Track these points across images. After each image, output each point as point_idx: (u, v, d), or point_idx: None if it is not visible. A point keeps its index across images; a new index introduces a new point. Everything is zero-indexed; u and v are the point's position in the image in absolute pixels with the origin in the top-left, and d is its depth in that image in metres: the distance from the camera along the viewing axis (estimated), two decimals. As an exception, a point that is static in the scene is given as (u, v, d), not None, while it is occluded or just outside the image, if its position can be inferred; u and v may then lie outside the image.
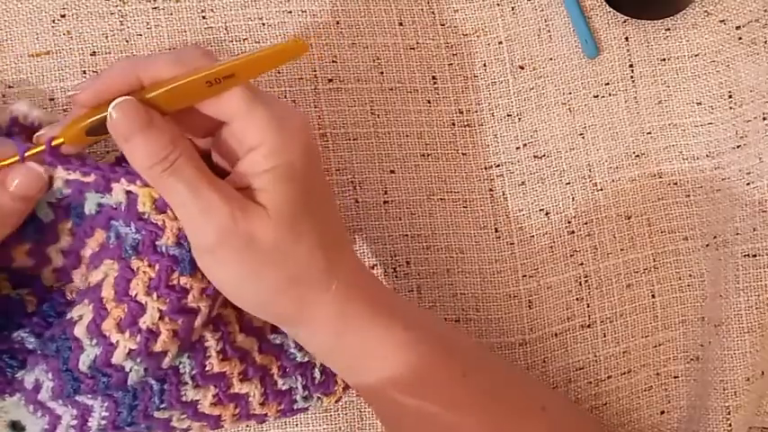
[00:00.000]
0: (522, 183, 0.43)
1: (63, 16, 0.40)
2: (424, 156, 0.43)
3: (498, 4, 0.43)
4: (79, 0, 0.40)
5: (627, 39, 0.44)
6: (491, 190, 0.43)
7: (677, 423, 0.42)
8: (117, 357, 0.32)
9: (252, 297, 0.33)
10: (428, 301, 0.42)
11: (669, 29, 0.44)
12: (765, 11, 0.42)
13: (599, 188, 0.43)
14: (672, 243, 0.43)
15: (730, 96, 0.43)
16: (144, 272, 0.33)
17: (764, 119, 0.42)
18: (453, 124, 0.43)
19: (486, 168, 0.43)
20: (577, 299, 0.43)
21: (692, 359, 0.42)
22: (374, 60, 0.42)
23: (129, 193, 0.33)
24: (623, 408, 0.42)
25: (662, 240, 0.43)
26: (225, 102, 0.31)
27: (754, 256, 0.41)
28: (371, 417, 0.41)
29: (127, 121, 0.30)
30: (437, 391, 0.35)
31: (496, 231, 0.43)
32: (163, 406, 0.35)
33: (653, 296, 0.43)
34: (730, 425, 0.39)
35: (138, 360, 0.33)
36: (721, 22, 0.43)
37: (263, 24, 0.42)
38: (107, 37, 0.40)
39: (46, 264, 0.35)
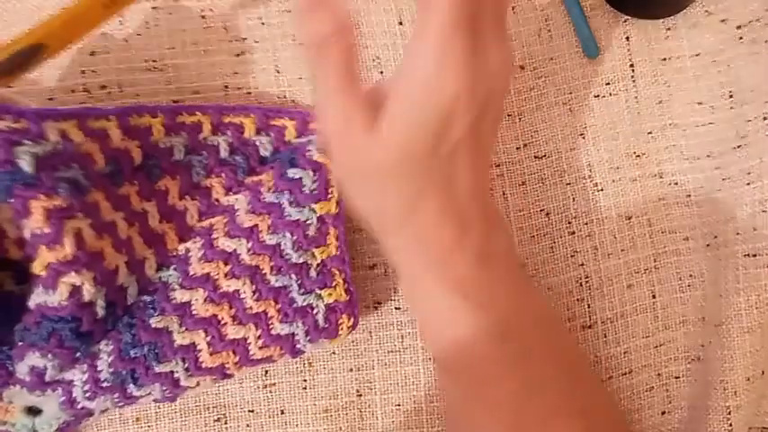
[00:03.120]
0: (523, 183, 0.43)
1: (63, 16, 0.40)
2: (423, 156, 0.42)
3: (498, 4, 0.43)
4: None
5: (627, 38, 0.44)
6: (491, 190, 0.43)
7: (678, 423, 0.42)
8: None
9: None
10: (428, 301, 0.42)
11: (670, 28, 0.44)
12: (766, 10, 0.42)
13: (599, 188, 0.43)
14: (672, 243, 0.43)
15: (731, 96, 0.43)
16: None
17: (765, 119, 0.41)
18: (453, 124, 0.43)
19: (486, 168, 0.43)
20: (578, 299, 0.43)
21: (692, 359, 0.42)
22: (374, 60, 0.42)
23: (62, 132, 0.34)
24: (624, 408, 0.42)
25: (662, 240, 0.43)
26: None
27: (755, 255, 0.41)
28: (371, 417, 0.41)
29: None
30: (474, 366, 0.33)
31: (496, 231, 0.43)
32: (156, 313, 0.36)
33: (653, 296, 0.43)
34: (731, 425, 0.39)
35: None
36: (722, 21, 0.43)
37: (263, 24, 0.42)
38: (107, 37, 0.40)
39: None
